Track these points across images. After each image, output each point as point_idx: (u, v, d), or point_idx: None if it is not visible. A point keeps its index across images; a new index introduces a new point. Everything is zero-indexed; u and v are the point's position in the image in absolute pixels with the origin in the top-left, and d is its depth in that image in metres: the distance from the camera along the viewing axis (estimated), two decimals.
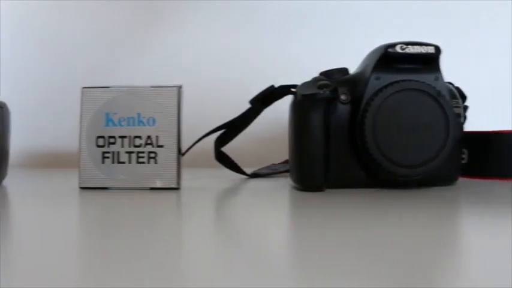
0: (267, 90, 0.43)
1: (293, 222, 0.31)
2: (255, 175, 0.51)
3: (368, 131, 0.39)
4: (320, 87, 0.40)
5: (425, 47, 0.39)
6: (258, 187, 0.46)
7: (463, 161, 0.50)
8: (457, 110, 0.43)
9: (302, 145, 0.40)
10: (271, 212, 0.34)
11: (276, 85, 0.45)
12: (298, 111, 0.40)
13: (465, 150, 0.50)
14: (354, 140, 0.41)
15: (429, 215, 0.32)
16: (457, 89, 0.47)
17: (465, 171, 0.50)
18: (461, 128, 0.42)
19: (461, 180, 0.48)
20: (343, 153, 0.41)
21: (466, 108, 0.48)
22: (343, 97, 0.41)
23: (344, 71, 0.43)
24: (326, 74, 0.44)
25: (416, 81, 0.40)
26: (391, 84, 0.39)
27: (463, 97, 0.47)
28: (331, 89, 0.40)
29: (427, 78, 0.40)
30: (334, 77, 0.43)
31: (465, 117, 0.49)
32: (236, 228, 0.29)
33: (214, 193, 0.43)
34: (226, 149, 0.49)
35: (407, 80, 0.40)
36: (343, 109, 0.41)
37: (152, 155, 0.42)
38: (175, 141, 0.42)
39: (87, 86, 0.43)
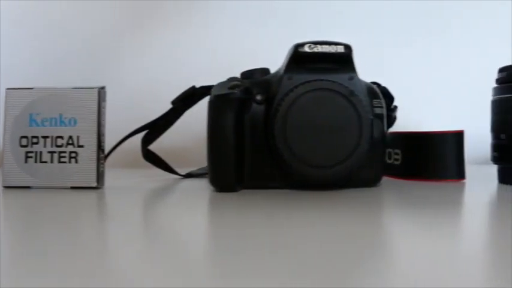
0: (188, 91, 0.43)
1: (195, 223, 0.31)
2: (188, 175, 0.51)
3: (278, 132, 0.39)
4: (232, 87, 0.40)
5: (334, 46, 0.39)
6: (181, 187, 0.46)
7: (397, 162, 0.49)
8: (377, 110, 0.42)
9: (214, 146, 0.40)
10: (180, 212, 0.34)
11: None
12: (211, 111, 0.40)
13: (398, 151, 0.49)
14: (268, 141, 0.40)
15: (338, 216, 0.31)
16: (384, 89, 0.46)
17: (399, 173, 0.49)
18: (380, 128, 0.41)
19: (393, 182, 0.48)
20: (259, 154, 0.41)
21: (394, 108, 0.48)
22: (258, 97, 0.41)
23: (265, 71, 0.43)
24: (246, 74, 0.44)
25: (328, 80, 0.39)
26: (302, 84, 0.39)
27: (390, 97, 0.47)
28: (241, 89, 0.40)
29: (340, 78, 0.40)
30: (254, 77, 0.43)
31: (394, 118, 0.48)
32: (138, 228, 0.29)
33: (134, 193, 0.44)
34: (173, 148, 0.50)
35: (318, 79, 0.39)
36: (258, 109, 0.41)
37: (73, 154, 0.43)
38: (95, 141, 0.42)
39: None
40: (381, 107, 0.43)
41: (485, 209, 0.37)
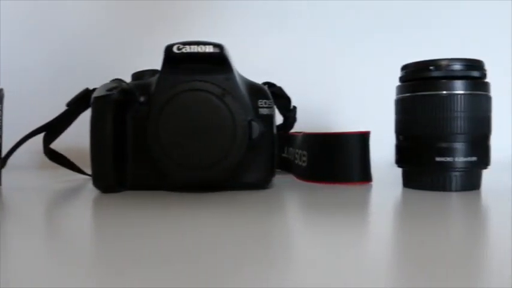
0: (82, 93, 0.44)
1: (67, 224, 0.32)
2: None
3: (152, 133, 0.39)
4: (110, 89, 0.40)
5: (203, 46, 0.38)
6: (75, 187, 0.46)
7: (304, 164, 0.48)
8: (263, 111, 0.42)
9: (94, 147, 0.40)
10: (57, 213, 0.35)
11: None
12: (91, 113, 0.41)
13: (305, 153, 0.48)
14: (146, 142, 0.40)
15: (215, 218, 0.31)
16: (279, 90, 0.45)
17: (305, 175, 0.48)
18: (262, 129, 0.40)
19: (296, 184, 0.47)
20: (141, 155, 0.41)
21: (293, 109, 0.47)
22: (141, 99, 0.41)
23: (155, 72, 0.43)
24: (137, 75, 0.44)
25: (200, 81, 0.39)
26: (175, 85, 0.39)
27: (286, 98, 0.45)
28: (119, 90, 0.40)
29: (215, 78, 0.39)
30: (144, 78, 0.43)
31: (294, 118, 0.47)
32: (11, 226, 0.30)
33: (28, 193, 0.45)
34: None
35: (191, 80, 0.39)
36: (142, 110, 0.41)
37: None
38: None
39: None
40: (268, 107, 0.42)
41: (380, 212, 0.35)
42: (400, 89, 0.43)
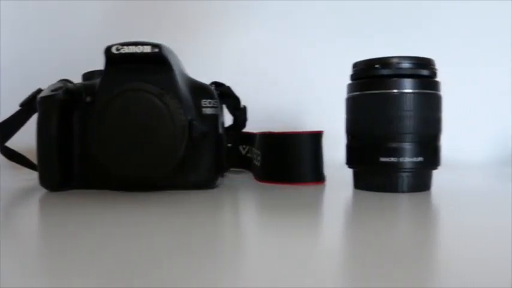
0: (34, 93, 0.44)
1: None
2: None
3: (92, 133, 0.39)
4: (55, 89, 0.41)
5: (140, 47, 0.38)
6: (26, 186, 0.47)
7: (258, 164, 0.48)
8: (207, 111, 0.41)
9: (39, 146, 0.41)
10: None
11: None
12: (38, 113, 0.41)
13: (259, 153, 0.47)
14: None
15: (155, 217, 0.31)
16: (227, 89, 0.45)
17: (259, 175, 0.47)
18: (204, 129, 0.40)
19: (251, 184, 0.46)
20: (88, 154, 0.41)
21: (244, 109, 0.46)
22: (88, 99, 0.41)
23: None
24: (87, 75, 0.44)
25: (140, 81, 0.39)
26: (116, 85, 0.39)
27: (235, 98, 0.45)
28: (64, 90, 0.41)
29: (155, 78, 0.39)
30: (93, 78, 0.44)
31: (244, 118, 0.46)
32: None
33: None
34: None
35: (131, 80, 0.39)
36: (88, 110, 0.41)
37: None
38: None
39: None
40: (213, 107, 0.41)
41: (324, 214, 0.35)
42: (350, 88, 0.42)
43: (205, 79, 0.43)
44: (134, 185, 0.40)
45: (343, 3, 0.75)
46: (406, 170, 0.39)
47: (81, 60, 0.75)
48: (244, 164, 0.53)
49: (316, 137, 0.45)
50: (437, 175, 0.42)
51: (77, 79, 0.46)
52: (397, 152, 0.39)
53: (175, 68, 0.40)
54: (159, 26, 0.74)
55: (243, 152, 0.53)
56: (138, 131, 0.39)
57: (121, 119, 0.39)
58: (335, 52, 0.72)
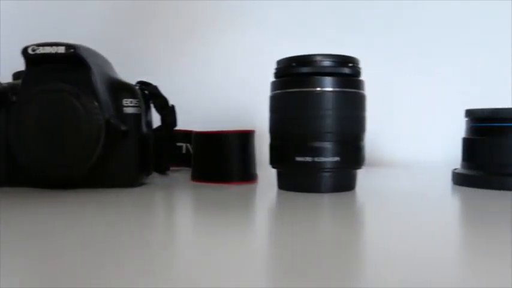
0: None
1: None
2: None
3: (12, 133, 0.40)
4: None
5: (55, 48, 0.39)
6: None
7: (193, 163, 0.48)
8: (129, 110, 0.41)
9: None
10: None
11: None
12: None
13: (192, 151, 0.47)
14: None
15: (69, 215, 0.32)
16: (154, 89, 0.45)
17: (192, 175, 0.47)
18: (119, 128, 0.40)
19: (183, 184, 0.46)
20: (11, 153, 0.42)
21: (172, 108, 0.46)
22: (13, 98, 0.42)
23: None
24: (16, 75, 0.45)
25: (57, 81, 0.39)
26: (34, 85, 0.39)
27: (161, 97, 0.45)
28: None
29: (72, 78, 0.39)
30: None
31: (172, 117, 0.46)
32: None
33: None
34: None
35: (48, 80, 0.39)
36: (12, 110, 0.42)
37: None
38: None
39: None
40: (135, 106, 0.42)
41: (240, 214, 0.34)
42: (272, 86, 0.41)
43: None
44: (55, 184, 0.41)
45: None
46: (323, 169, 0.38)
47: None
48: (187, 162, 0.53)
49: (245, 137, 0.45)
50: (375, 175, 0.41)
51: None
52: (313, 152, 0.38)
53: (93, 67, 0.40)
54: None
55: (184, 151, 0.53)
56: (54, 131, 0.39)
57: (38, 119, 0.39)
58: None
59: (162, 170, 0.51)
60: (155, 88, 0.44)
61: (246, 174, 0.45)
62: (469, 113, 0.44)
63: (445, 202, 0.38)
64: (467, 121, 0.45)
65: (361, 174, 0.42)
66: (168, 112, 0.45)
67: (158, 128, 0.46)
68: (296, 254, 0.22)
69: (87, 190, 0.40)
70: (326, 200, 0.37)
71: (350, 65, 0.40)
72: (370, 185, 0.45)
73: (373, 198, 0.39)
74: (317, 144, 0.38)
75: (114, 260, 0.21)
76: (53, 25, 0.75)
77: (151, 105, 0.45)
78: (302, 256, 0.21)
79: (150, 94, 0.44)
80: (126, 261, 0.21)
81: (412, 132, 0.69)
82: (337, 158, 0.38)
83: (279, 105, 0.40)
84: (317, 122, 0.39)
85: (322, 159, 0.38)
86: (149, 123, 0.45)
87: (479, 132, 0.44)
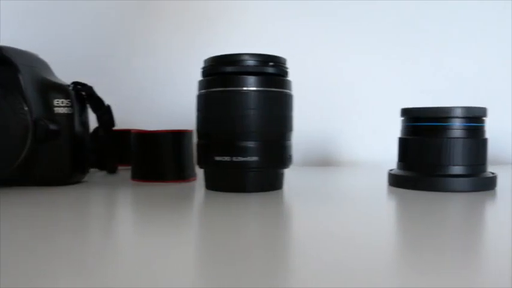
0: None
1: None
2: None
3: None
4: None
5: None
6: None
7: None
8: (60, 110, 0.42)
9: None
10: None
11: None
12: None
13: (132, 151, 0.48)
14: None
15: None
16: (89, 89, 0.45)
17: (131, 174, 0.48)
18: (48, 128, 0.41)
19: (124, 183, 0.47)
20: None
21: (108, 108, 0.47)
22: None
23: None
24: None
25: None
26: None
27: (96, 98, 0.46)
28: None
29: (2, 78, 0.40)
30: None
31: (108, 117, 0.47)
32: None
33: None
34: None
35: None
36: None
37: None
38: None
39: None
40: (66, 106, 0.42)
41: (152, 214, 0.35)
42: (198, 85, 0.41)
43: None
44: None
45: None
46: (242, 169, 0.38)
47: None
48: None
49: (180, 136, 0.45)
50: (311, 174, 0.40)
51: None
52: (231, 151, 0.38)
53: (21, 68, 0.41)
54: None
55: None
56: None
57: None
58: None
59: (110, 169, 0.52)
60: (90, 89, 0.45)
61: (182, 173, 0.45)
62: (404, 112, 0.43)
63: (370, 203, 0.37)
64: (402, 120, 0.44)
65: (295, 174, 0.42)
66: (104, 112, 0.46)
67: (97, 128, 0.47)
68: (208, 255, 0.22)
69: (18, 189, 0.41)
70: (245, 199, 0.36)
71: (271, 64, 0.40)
72: (300, 185, 0.44)
73: (296, 199, 0.38)
74: (236, 143, 0.38)
75: (38, 259, 0.21)
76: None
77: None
78: (219, 257, 0.21)
79: (86, 95, 0.44)
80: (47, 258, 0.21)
81: (368, 131, 0.68)
82: (255, 158, 0.38)
83: (204, 104, 0.40)
84: (237, 121, 0.38)
85: (240, 158, 0.38)
86: (85, 123, 0.45)
87: (413, 131, 0.42)
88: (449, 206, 0.35)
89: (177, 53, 0.70)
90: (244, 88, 0.39)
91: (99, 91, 0.47)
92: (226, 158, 0.38)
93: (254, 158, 0.38)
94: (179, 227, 0.28)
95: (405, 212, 0.34)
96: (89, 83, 0.46)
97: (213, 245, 0.23)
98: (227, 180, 0.39)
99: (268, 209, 0.34)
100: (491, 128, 0.44)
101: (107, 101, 0.48)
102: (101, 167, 0.51)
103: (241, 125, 0.38)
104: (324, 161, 0.70)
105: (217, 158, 0.39)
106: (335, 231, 0.27)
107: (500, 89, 0.74)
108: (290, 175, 0.43)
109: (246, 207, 0.34)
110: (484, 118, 0.43)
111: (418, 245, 0.23)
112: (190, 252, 0.23)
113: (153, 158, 0.45)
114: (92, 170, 0.51)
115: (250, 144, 0.38)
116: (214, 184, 0.40)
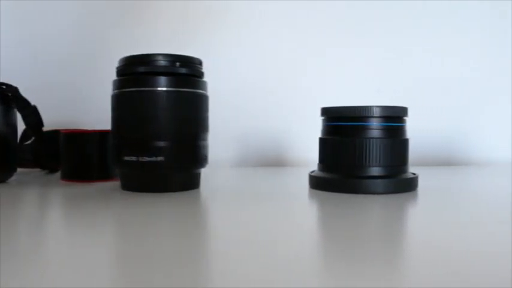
0: None
1: None
2: None
3: None
4: None
5: None
6: None
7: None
8: None
9: None
10: None
11: None
12: None
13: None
14: None
15: None
16: (15, 90, 0.46)
17: (62, 173, 0.48)
18: None
19: (44, 182, 0.47)
20: None
21: (33, 109, 0.47)
22: None
23: None
24: None
25: None
26: None
27: (21, 99, 0.46)
28: None
29: None
30: None
31: (34, 118, 0.47)
32: None
33: None
34: None
35: None
36: None
37: None
38: None
39: None
40: None
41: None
42: (112, 85, 0.41)
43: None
44: None
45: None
46: (148, 169, 0.38)
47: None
48: None
49: (105, 136, 0.45)
50: (235, 175, 0.40)
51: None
52: (138, 151, 0.38)
53: None
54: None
55: None
56: None
57: None
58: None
59: (51, 169, 0.52)
60: (15, 90, 0.45)
61: (106, 172, 0.45)
62: (323, 112, 0.42)
63: (285, 206, 0.35)
64: (322, 120, 0.43)
65: (221, 174, 0.41)
66: (29, 112, 0.46)
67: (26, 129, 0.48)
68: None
69: None
70: (156, 200, 0.36)
71: (190, 65, 0.40)
72: (219, 185, 0.44)
73: (209, 199, 0.38)
74: (144, 143, 0.38)
75: None
76: None
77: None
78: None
79: (12, 96, 0.45)
80: None
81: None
82: (161, 158, 0.38)
83: (116, 104, 0.40)
84: (147, 121, 0.38)
85: (146, 158, 0.38)
86: (10, 123, 0.46)
87: (332, 131, 0.41)
88: (361, 209, 0.34)
89: None
90: (156, 88, 0.39)
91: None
92: (134, 158, 0.38)
93: (160, 158, 0.38)
94: (78, 228, 0.28)
95: (316, 216, 0.33)
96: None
97: (107, 248, 0.23)
98: (136, 180, 0.39)
99: (172, 209, 0.33)
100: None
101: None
102: (42, 166, 0.52)
103: (150, 125, 0.38)
104: (271, 162, 0.69)
105: (126, 158, 0.39)
106: (240, 232, 0.26)
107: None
108: (215, 175, 0.43)
109: (153, 207, 0.34)
110: (404, 118, 0.42)
111: (326, 250, 0.23)
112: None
113: (79, 157, 0.46)
114: (34, 170, 0.52)
115: (159, 144, 0.38)
116: (125, 184, 0.40)
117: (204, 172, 0.42)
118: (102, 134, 0.45)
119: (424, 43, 0.73)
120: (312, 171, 0.43)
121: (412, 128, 0.43)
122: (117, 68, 0.41)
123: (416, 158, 0.57)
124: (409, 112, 0.42)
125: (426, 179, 0.45)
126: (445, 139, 0.74)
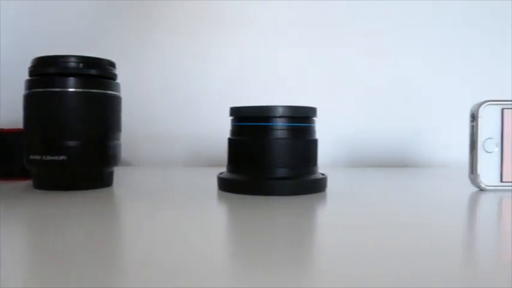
0: None
1: None
2: None
3: None
4: None
5: None
6: None
7: None
8: None
9: None
10: None
11: None
12: None
13: None
14: None
15: None
16: None
17: None
18: None
19: None
20: None
21: None
22: None
23: None
24: None
25: None
26: None
27: None
28: None
29: None
30: None
31: None
32: None
33: None
34: None
35: None
36: None
37: None
38: None
39: None
40: None
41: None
42: (24, 85, 0.42)
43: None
44: None
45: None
46: (51, 168, 0.39)
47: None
48: None
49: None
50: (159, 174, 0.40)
51: None
52: (42, 150, 0.39)
53: None
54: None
55: None
56: None
57: None
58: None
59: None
60: None
61: (24, 170, 0.46)
62: (232, 112, 0.42)
63: (192, 207, 0.35)
64: (231, 120, 0.42)
65: (151, 173, 0.41)
66: None
67: None
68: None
69: None
70: (63, 198, 0.36)
71: (101, 67, 0.40)
72: (133, 185, 0.44)
73: (113, 198, 0.38)
74: (49, 143, 0.39)
75: None
76: None
77: None
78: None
79: None
80: None
81: None
82: (63, 157, 0.39)
83: (26, 104, 0.41)
84: (53, 121, 0.39)
85: (49, 157, 0.39)
86: None
87: (239, 132, 0.41)
88: (264, 211, 0.33)
89: None
90: (64, 89, 0.39)
91: None
92: (38, 157, 0.39)
93: (62, 157, 0.39)
94: None
95: (220, 219, 0.33)
96: None
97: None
98: (43, 179, 0.40)
99: (75, 207, 0.33)
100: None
101: None
102: None
103: (54, 125, 0.39)
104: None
105: (32, 157, 0.39)
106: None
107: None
108: (134, 174, 0.43)
109: (56, 206, 0.34)
110: (313, 118, 0.41)
111: (228, 253, 0.23)
112: None
113: (2, 156, 0.46)
114: None
115: (62, 143, 0.39)
116: (35, 183, 0.41)
117: (126, 171, 0.43)
118: (19, 133, 0.46)
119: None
120: (221, 173, 0.43)
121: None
122: (29, 68, 0.42)
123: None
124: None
125: (337, 180, 0.44)
126: (397, 140, 0.74)
